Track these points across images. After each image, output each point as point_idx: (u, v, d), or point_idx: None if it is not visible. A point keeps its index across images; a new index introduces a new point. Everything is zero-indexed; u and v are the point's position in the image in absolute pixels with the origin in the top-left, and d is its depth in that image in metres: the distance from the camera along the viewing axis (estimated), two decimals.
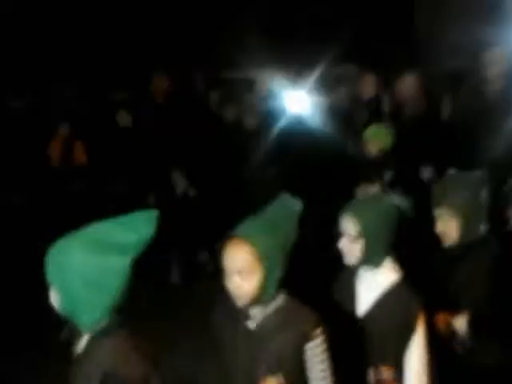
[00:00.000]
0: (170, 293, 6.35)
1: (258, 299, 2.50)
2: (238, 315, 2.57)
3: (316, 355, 2.49)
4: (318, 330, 2.48)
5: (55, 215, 6.35)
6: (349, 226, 2.90)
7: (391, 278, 2.93)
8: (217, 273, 2.59)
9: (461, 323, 3.22)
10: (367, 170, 5.73)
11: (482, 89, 5.72)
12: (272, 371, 2.46)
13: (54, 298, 2.28)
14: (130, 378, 2.16)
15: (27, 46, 8.61)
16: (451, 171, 3.49)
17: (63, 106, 7.50)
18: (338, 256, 3.01)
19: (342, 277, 3.13)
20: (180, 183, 6.74)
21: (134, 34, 9.11)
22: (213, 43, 9.17)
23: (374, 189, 5.60)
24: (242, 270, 2.43)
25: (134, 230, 2.23)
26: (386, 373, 2.82)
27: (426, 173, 5.59)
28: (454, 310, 3.27)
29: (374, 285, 2.93)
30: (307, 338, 2.48)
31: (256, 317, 2.53)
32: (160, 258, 5.69)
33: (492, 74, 5.65)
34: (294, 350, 2.48)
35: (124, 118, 6.91)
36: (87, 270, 2.17)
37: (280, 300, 2.55)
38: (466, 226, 3.28)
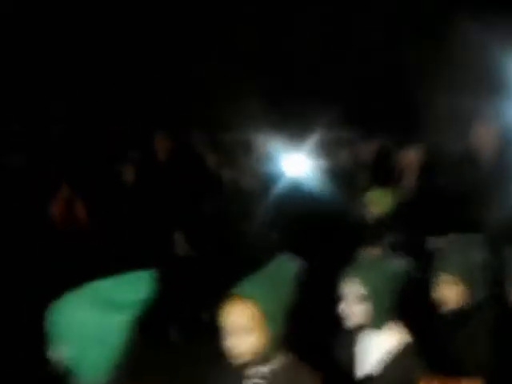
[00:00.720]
0: (170, 351, 6.29)
1: (258, 358, 2.48)
2: (237, 376, 2.54)
3: None
4: None
5: (58, 273, 6.34)
6: (354, 288, 2.90)
7: (393, 340, 2.91)
8: (217, 332, 2.58)
9: None
10: (369, 232, 5.75)
11: (472, 163, 5.83)
12: None
13: (56, 354, 2.28)
14: None
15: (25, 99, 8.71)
16: (451, 236, 3.49)
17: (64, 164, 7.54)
18: (338, 317, 3.00)
19: (342, 338, 3.11)
20: (181, 244, 6.75)
21: (135, 94, 9.22)
22: (212, 105, 9.29)
23: (375, 251, 5.62)
24: (244, 328, 2.43)
25: (134, 288, 2.26)
26: None
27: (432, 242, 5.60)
28: (457, 375, 3.23)
29: (375, 347, 2.92)
30: None
31: (255, 377, 2.50)
32: (161, 317, 5.64)
33: (482, 145, 5.77)
34: None
35: (129, 176, 6.95)
36: (89, 327, 2.19)
37: (280, 360, 2.52)
38: (467, 292, 3.28)
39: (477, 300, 3.32)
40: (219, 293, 2.62)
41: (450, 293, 3.29)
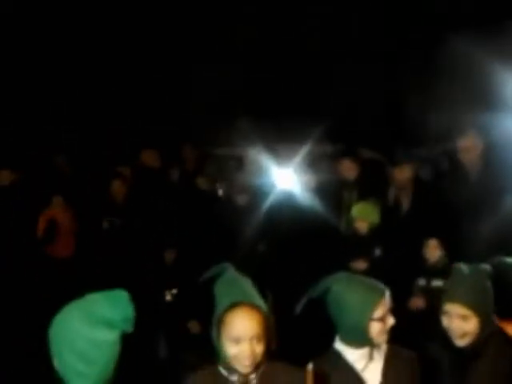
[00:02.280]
0: (159, 368, 6.26)
1: (258, 363, 2.56)
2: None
3: None
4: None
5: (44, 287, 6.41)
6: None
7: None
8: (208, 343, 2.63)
9: None
10: (356, 246, 5.83)
11: (462, 174, 5.93)
12: None
13: (53, 364, 2.35)
14: None
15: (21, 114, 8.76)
16: (457, 265, 3.33)
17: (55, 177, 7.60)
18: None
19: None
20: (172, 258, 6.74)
21: (126, 108, 9.26)
22: (203, 121, 9.32)
23: (362, 265, 5.71)
24: (258, 335, 2.50)
25: (117, 306, 2.30)
26: None
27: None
28: None
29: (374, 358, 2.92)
30: None
31: (253, 381, 2.58)
32: (148, 332, 5.62)
33: (468, 158, 5.87)
34: None
35: (119, 189, 6.97)
36: (76, 341, 2.24)
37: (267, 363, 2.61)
38: (485, 323, 3.08)
39: (490, 331, 3.12)
40: (207, 305, 2.68)
41: (467, 326, 3.07)
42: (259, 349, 2.52)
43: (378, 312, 2.79)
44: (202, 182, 7.41)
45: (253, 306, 2.54)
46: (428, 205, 5.90)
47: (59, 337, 2.28)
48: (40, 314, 3.02)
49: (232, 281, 2.66)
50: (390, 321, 2.83)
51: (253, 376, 2.56)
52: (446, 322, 3.11)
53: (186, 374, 2.70)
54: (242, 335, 2.50)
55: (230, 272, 2.70)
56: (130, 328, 2.30)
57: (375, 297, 2.81)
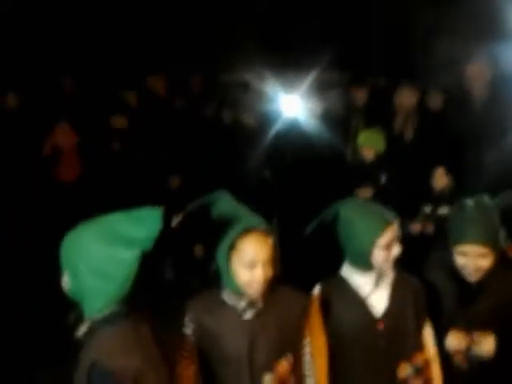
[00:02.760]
0: (164, 290, 6.34)
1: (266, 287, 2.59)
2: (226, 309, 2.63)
3: None
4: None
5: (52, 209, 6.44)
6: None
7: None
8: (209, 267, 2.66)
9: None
10: (362, 173, 5.83)
11: (469, 102, 5.87)
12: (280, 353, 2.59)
13: (65, 282, 2.34)
14: (118, 370, 2.15)
15: (26, 40, 8.66)
16: (465, 200, 3.11)
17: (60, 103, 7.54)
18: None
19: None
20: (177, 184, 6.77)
21: (133, 34, 9.17)
22: (210, 47, 9.26)
23: (367, 193, 5.72)
24: (269, 259, 2.54)
25: (142, 224, 2.27)
26: (423, 359, 2.90)
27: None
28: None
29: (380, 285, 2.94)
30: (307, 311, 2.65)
31: (259, 305, 2.61)
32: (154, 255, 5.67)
33: (475, 86, 5.81)
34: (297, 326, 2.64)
35: (119, 121, 6.94)
36: (94, 258, 2.23)
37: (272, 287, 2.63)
38: (497, 257, 3.05)
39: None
40: (212, 228, 2.68)
41: (483, 263, 3.02)
42: (270, 273, 2.55)
43: (384, 239, 2.80)
44: (208, 108, 7.40)
45: (265, 231, 2.56)
46: (434, 132, 5.88)
47: (76, 254, 2.26)
48: (47, 236, 3.02)
49: (237, 207, 2.67)
50: (396, 250, 2.84)
51: (259, 301, 2.59)
52: (462, 260, 3.04)
53: (188, 298, 2.72)
54: (256, 259, 2.51)
55: (230, 199, 2.71)
56: (150, 247, 2.27)
57: (382, 224, 2.81)
